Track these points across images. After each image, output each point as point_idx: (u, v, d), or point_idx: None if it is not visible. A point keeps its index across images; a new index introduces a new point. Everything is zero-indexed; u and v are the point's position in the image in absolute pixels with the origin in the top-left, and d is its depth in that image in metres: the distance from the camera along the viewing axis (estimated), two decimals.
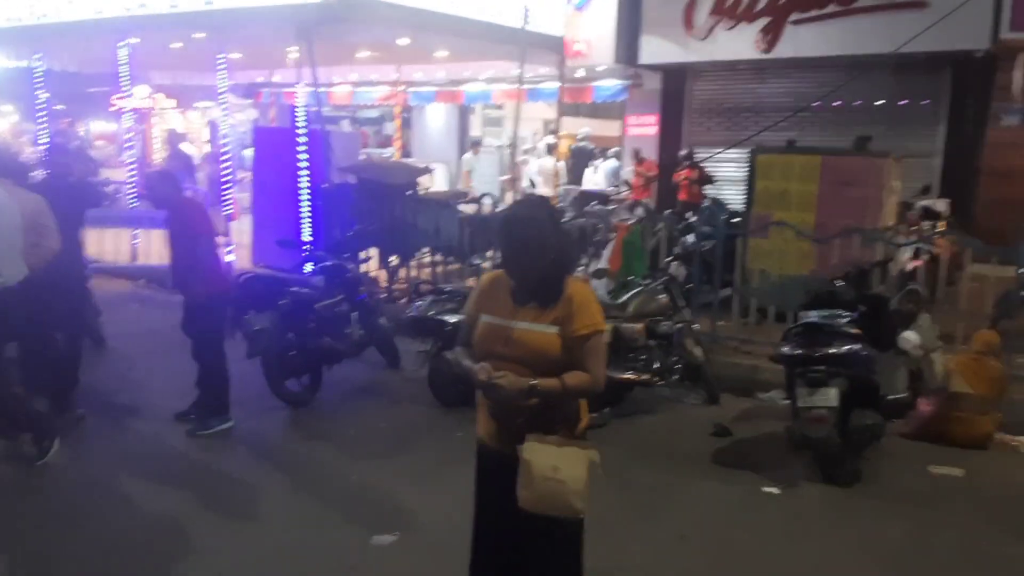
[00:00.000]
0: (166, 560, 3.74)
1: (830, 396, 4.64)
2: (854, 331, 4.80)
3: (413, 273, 9.23)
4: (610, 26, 12.25)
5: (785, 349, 4.88)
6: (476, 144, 15.39)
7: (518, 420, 2.62)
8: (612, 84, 13.32)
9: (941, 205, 8.52)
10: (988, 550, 4.04)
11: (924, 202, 8.55)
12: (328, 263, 6.45)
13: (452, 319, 5.77)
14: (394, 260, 9.16)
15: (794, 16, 11.01)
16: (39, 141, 12.31)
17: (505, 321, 2.65)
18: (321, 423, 5.62)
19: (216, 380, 5.31)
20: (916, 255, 7.53)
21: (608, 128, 16.25)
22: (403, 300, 8.70)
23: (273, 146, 10.18)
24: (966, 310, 6.76)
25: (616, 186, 13.30)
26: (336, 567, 3.72)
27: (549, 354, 2.59)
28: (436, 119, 17.56)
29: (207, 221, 5.27)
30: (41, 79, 11.98)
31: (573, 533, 2.73)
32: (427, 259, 9.32)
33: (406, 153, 16.66)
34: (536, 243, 2.59)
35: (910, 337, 5.72)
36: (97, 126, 21.86)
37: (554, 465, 2.54)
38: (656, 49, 12.29)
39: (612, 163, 14.43)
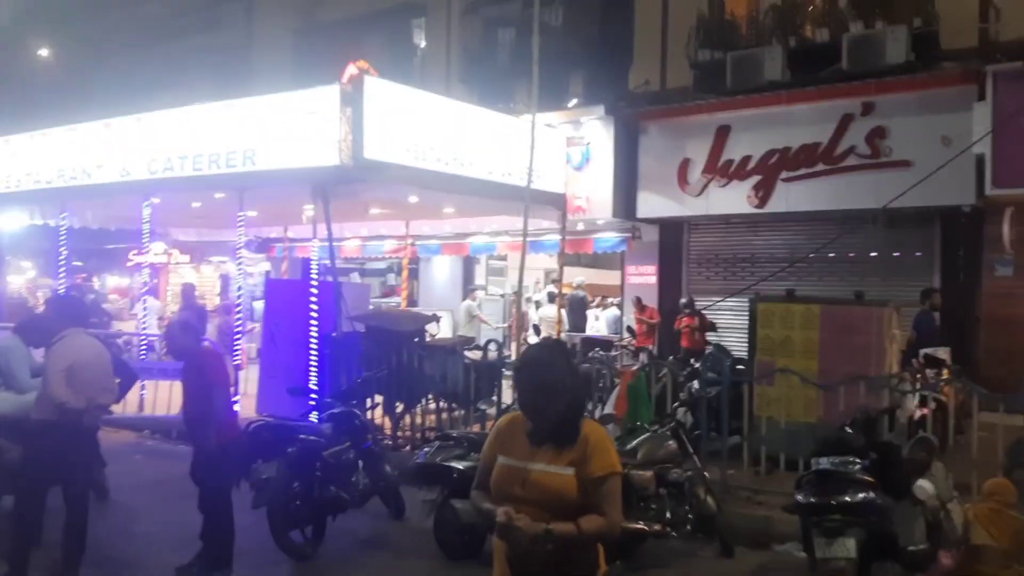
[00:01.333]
0: None
1: (849, 547, 4.55)
2: (867, 479, 4.77)
3: (418, 420, 9.21)
4: (608, 183, 12.86)
5: (799, 497, 4.83)
6: (473, 290, 15.72)
7: (534, 568, 2.59)
8: (611, 236, 13.80)
9: (943, 353, 8.61)
10: None
11: (927, 351, 8.65)
12: (336, 410, 6.48)
13: (460, 466, 5.74)
14: (399, 407, 9.17)
15: (784, 174, 11.59)
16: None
17: (522, 463, 2.68)
18: None
19: (222, 532, 5.22)
20: (923, 403, 7.55)
21: (609, 277, 16.64)
22: (407, 447, 8.64)
23: (284, 297, 10.45)
24: (978, 460, 6.69)
25: (618, 333, 13.47)
26: None
27: (565, 496, 2.60)
28: (442, 270, 18.03)
29: (224, 371, 5.37)
30: (65, 237, 12.44)
31: None
32: (432, 405, 9.33)
33: (412, 302, 16.98)
34: (553, 385, 2.67)
35: (925, 486, 5.64)
36: (112, 280, 22.42)
37: None
38: (652, 204, 12.85)
39: (613, 311, 14.68)
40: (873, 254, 11.36)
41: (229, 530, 5.24)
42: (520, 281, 10.91)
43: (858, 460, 4.90)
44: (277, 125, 9.49)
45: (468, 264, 17.92)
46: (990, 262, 10.31)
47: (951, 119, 10.10)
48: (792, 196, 11.51)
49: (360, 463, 6.29)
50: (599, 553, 2.75)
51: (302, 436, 5.82)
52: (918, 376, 7.77)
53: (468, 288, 16.39)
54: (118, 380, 5.64)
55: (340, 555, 5.87)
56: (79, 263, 17.26)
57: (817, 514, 4.68)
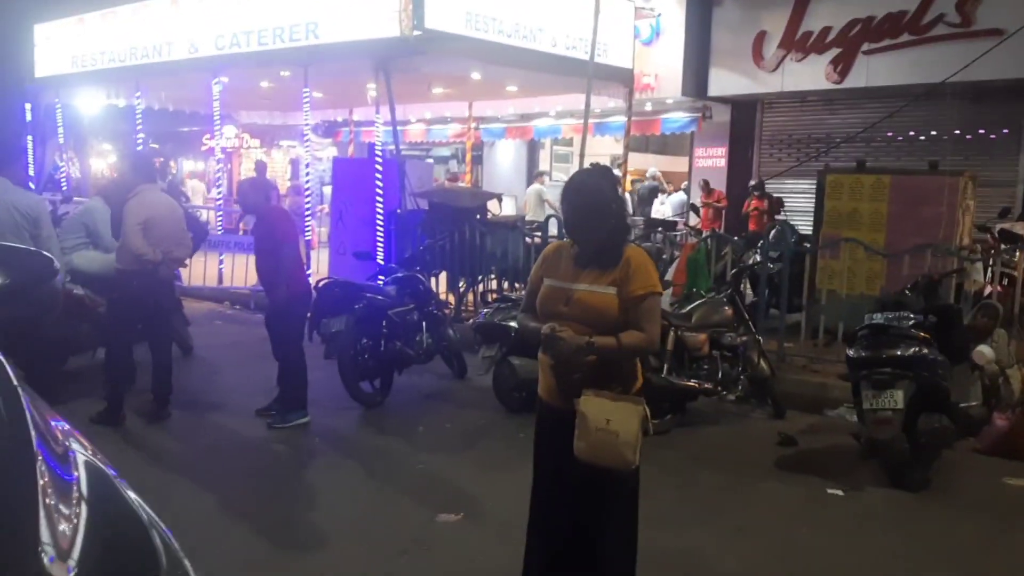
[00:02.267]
0: (249, 529, 3.96)
1: (896, 398, 4.59)
2: (921, 334, 4.75)
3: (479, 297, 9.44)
4: (679, 59, 12.44)
5: (851, 352, 4.86)
6: (541, 174, 15.66)
7: (575, 376, 2.74)
8: (680, 117, 13.45)
9: (1020, 228, 8.29)
10: None
11: (1003, 224, 8.34)
12: (400, 275, 6.72)
13: (515, 324, 5.93)
14: (462, 284, 9.40)
15: (866, 46, 11.00)
16: None
17: (567, 284, 2.81)
18: (391, 422, 5.81)
19: (295, 377, 5.58)
20: (995, 279, 7.34)
21: (675, 164, 16.35)
22: (470, 321, 8.90)
23: (350, 175, 10.65)
24: None
25: (683, 216, 13.33)
26: (403, 539, 3.86)
27: (607, 314, 2.73)
28: (506, 155, 17.98)
29: (292, 229, 5.61)
30: (140, 117, 12.82)
31: (627, 487, 2.83)
32: (493, 285, 9.52)
33: (475, 186, 17.08)
34: (598, 208, 2.77)
35: (985, 351, 5.61)
36: (187, 165, 23.10)
37: (608, 418, 2.66)
38: (725, 82, 12.41)
39: (680, 195, 14.49)
40: (956, 131, 10.81)
41: (302, 376, 5.60)
42: (581, 160, 10.80)
43: (912, 316, 4.86)
44: None
45: (532, 149, 17.81)
46: None
47: None
48: (873, 70, 10.95)
49: (424, 324, 6.56)
50: (637, 367, 2.87)
51: (369, 295, 6.09)
52: (990, 249, 7.54)
53: (534, 173, 16.34)
54: (191, 236, 5.95)
55: (406, 405, 6.22)
56: (155, 145, 17.80)
57: (867, 367, 4.71)
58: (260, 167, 14.70)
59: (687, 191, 14.42)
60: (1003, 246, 7.56)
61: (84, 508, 1.33)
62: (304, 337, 5.74)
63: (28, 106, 15.04)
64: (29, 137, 14.80)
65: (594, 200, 2.78)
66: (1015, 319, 6.48)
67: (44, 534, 1.15)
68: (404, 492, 4.46)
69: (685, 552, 3.82)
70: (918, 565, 3.83)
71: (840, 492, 4.62)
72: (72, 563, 1.16)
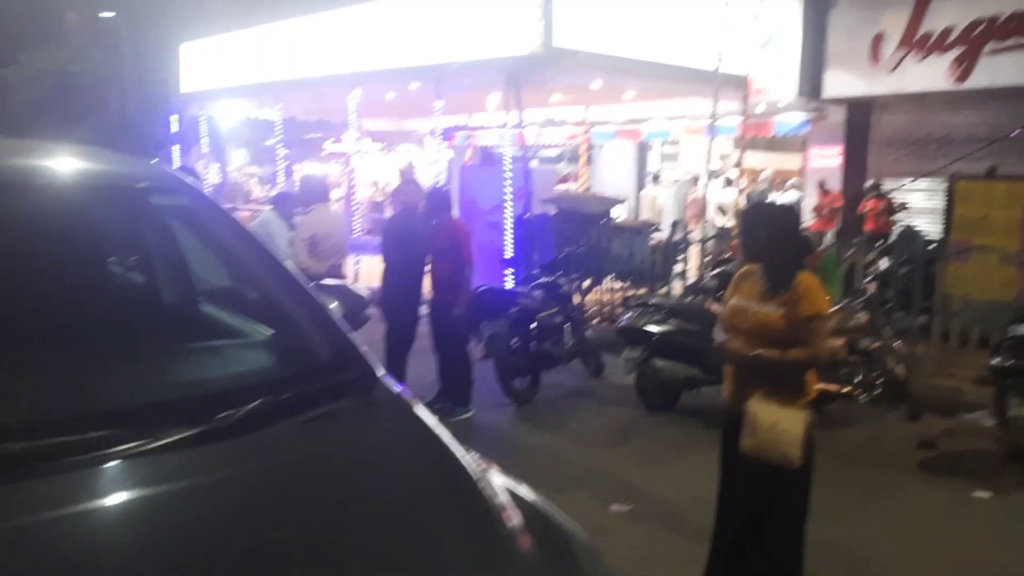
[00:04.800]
0: None
1: None
2: None
3: (606, 296, 9.90)
4: (793, 61, 12.52)
5: (996, 361, 5.08)
6: (657, 177, 15.96)
7: (753, 380, 3.20)
8: (794, 118, 13.51)
9: None
10: None
11: None
12: (544, 280, 7.25)
13: (657, 329, 6.38)
14: (587, 283, 9.88)
15: (991, 45, 10.85)
16: (277, 181, 14.24)
17: (748, 302, 3.28)
18: (545, 417, 6.35)
19: (463, 374, 6.18)
20: None
21: (787, 161, 16.31)
22: (597, 319, 9.38)
23: (478, 181, 11.27)
24: None
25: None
26: (584, 527, 4.36)
27: (772, 329, 3.17)
28: (616, 156, 18.31)
29: (471, 247, 6.16)
30: (281, 127, 13.84)
31: (796, 482, 3.20)
32: (615, 284, 9.96)
33: (588, 188, 17.50)
34: (772, 240, 3.23)
35: None
36: (308, 168, 24.36)
37: (775, 419, 3.10)
38: (841, 83, 12.42)
39: (793, 194, 14.53)
40: None
41: (469, 374, 6.20)
42: (706, 169, 11.09)
43: None
44: (472, 15, 10.03)
45: (641, 150, 18.09)
46: None
47: None
48: (998, 69, 10.79)
49: (566, 326, 7.08)
50: (806, 382, 3.24)
51: (520, 300, 6.65)
52: None
53: (644, 174, 16.64)
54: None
55: (554, 401, 6.75)
56: (286, 151, 18.94)
57: (1013, 376, 4.93)
58: (407, 173, 15.42)
59: (798, 188, 14.44)
60: None
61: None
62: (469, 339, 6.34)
63: (175, 117, 16.34)
64: (176, 146, 16.09)
65: (767, 233, 3.24)
66: None
67: None
68: (574, 483, 4.95)
69: (845, 546, 4.18)
70: None
71: (986, 495, 4.87)
72: None
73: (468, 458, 2.07)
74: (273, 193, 11.19)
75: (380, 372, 2.24)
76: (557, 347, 6.87)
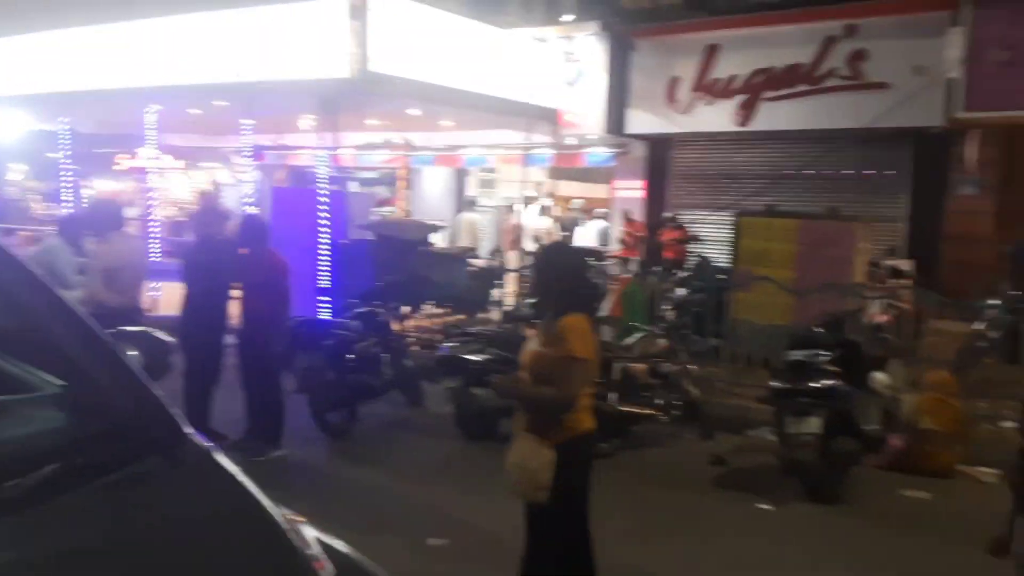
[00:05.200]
0: None
1: (814, 425, 5.38)
2: (833, 369, 5.58)
3: (424, 323, 9.93)
4: (600, 100, 13.28)
5: (775, 384, 5.64)
6: (473, 203, 16.26)
7: (527, 415, 3.34)
8: (601, 151, 14.31)
9: (906, 265, 9.43)
10: (949, 554, 4.72)
11: (891, 262, 9.46)
12: (362, 309, 7.16)
13: (476, 358, 6.49)
14: (406, 310, 9.85)
15: (768, 93, 12.07)
16: (61, 199, 13.01)
17: (533, 339, 3.49)
18: (362, 451, 6.26)
19: (273, 411, 5.94)
20: (885, 310, 8.39)
21: (597, 191, 17.22)
22: (415, 348, 9.37)
23: (291, 205, 10.93)
24: (930, 359, 7.58)
25: (605, 245, 14.17)
26: (400, 564, 4.32)
27: (537, 368, 3.32)
28: (434, 181, 18.45)
29: (287, 270, 5.93)
30: (68, 141, 12.69)
31: (550, 519, 3.29)
32: (433, 311, 10.03)
33: (406, 212, 17.51)
34: (544, 281, 3.44)
35: (881, 378, 6.51)
36: (99, 184, 22.46)
37: (523, 456, 3.23)
38: (642, 120, 13.31)
39: (601, 223, 15.33)
40: (848, 172, 12.03)
41: (280, 411, 5.97)
42: (522, 195, 11.42)
43: (826, 353, 5.69)
44: (284, 35, 9.77)
45: (460, 176, 18.36)
46: (955, 181, 11.02)
47: (926, 44, 10.55)
48: (774, 115, 12.01)
49: (384, 356, 7.02)
50: (567, 420, 3.26)
51: (337, 331, 6.51)
52: (882, 285, 8.58)
53: (463, 200, 16.89)
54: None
55: (372, 434, 6.67)
56: (72, 166, 17.39)
57: (789, 397, 5.50)
58: (208, 200, 14.54)
59: (606, 218, 15.27)
60: (892, 282, 8.63)
61: None
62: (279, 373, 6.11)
63: None
64: None
65: (545, 275, 3.43)
66: (905, 348, 7.47)
67: None
68: (390, 520, 4.91)
69: (645, 567, 4.45)
70: (839, 567, 4.58)
71: (769, 507, 5.37)
72: None
73: (279, 513, 2.00)
74: (59, 215, 10.24)
75: (187, 428, 2.11)
76: (375, 378, 6.80)
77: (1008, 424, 6.51)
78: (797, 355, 5.73)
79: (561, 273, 3.35)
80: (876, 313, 8.05)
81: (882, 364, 6.70)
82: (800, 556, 4.70)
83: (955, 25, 10.10)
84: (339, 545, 2.04)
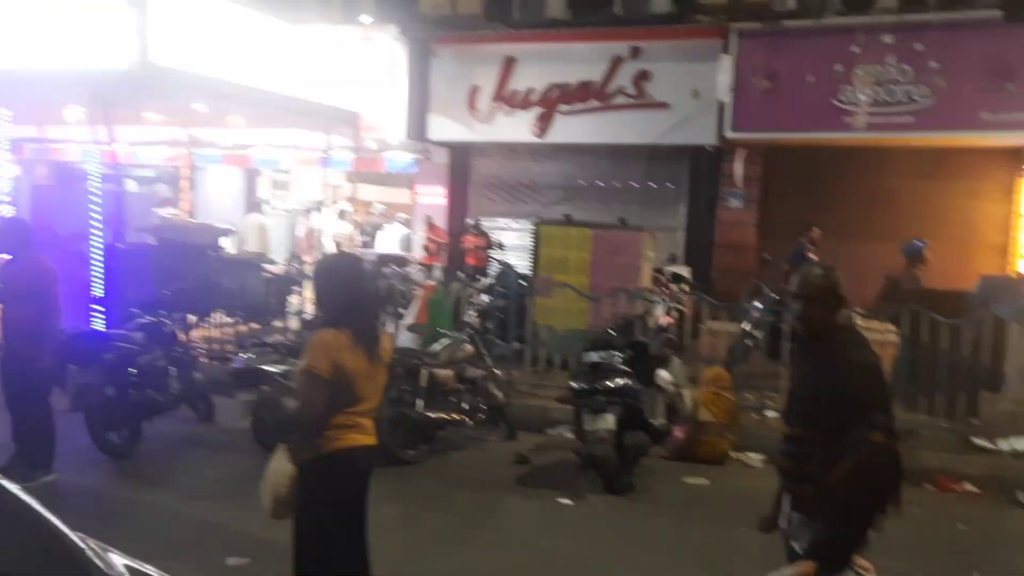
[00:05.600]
0: None
1: (609, 421, 5.70)
2: (625, 368, 5.94)
3: (214, 334, 9.36)
4: (401, 105, 13.24)
5: (574, 384, 5.91)
6: (260, 205, 15.55)
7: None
8: (403, 157, 14.27)
9: (685, 271, 10.24)
10: (726, 534, 5.16)
11: (672, 268, 10.24)
12: (145, 320, 6.61)
13: (275, 369, 6.20)
14: (193, 319, 9.23)
15: (562, 108, 12.65)
16: None
17: None
18: (149, 471, 5.78)
19: (41, 432, 5.33)
20: (668, 312, 9.07)
21: (398, 196, 17.15)
22: (205, 359, 8.82)
23: (56, 205, 9.88)
24: (706, 357, 8.29)
25: (408, 251, 14.14)
26: None
27: (294, 382, 3.31)
28: (221, 181, 17.46)
29: (56, 277, 5.32)
30: None
31: (299, 532, 3.24)
32: (222, 319, 9.47)
33: (190, 214, 16.44)
34: (319, 291, 3.37)
35: (663, 375, 7.02)
36: None
37: (271, 471, 3.22)
38: (443, 128, 13.45)
39: (403, 229, 15.27)
40: (634, 184, 12.89)
41: (49, 431, 5.36)
42: (325, 200, 11.10)
43: (619, 354, 6.05)
44: (53, 19, 8.84)
45: (250, 177, 17.52)
46: (725, 195, 12.15)
47: (702, 68, 11.57)
48: (569, 128, 12.60)
49: (172, 369, 6.53)
50: (328, 437, 3.16)
51: (117, 344, 5.97)
52: (665, 290, 9.26)
53: (252, 202, 16.11)
54: None
55: (157, 453, 6.17)
56: None
57: (587, 397, 5.78)
58: None
59: (409, 225, 15.24)
60: (673, 286, 9.33)
61: None
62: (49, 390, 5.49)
63: None
64: None
65: (318, 287, 3.38)
66: (686, 347, 8.11)
67: None
68: (186, 542, 4.59)
69: (451, 568, 4.49)
70: (633, 553, 4.87)
71: (569, 502, 5.61)
72: None
73: (76, 539, 1.80)
74: None
75: None
76: (161, 393, 6.30)
77: (772, 413, 7.28)
78: (594, 357, 6.03)
79: (332, 285, 3.26)
80: (661, 316, 8.67)
81: (666, 363, 7.24)
82: (597, 544, 4.95)
83: (725, 53, 11.17)
84: (151, 571, 1.87)
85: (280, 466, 3.10)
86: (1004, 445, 6.61)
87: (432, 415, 6.33)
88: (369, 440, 3.23)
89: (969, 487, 6.26)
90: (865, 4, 10.15)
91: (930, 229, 10.49)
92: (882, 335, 7.32)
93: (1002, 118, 9.74)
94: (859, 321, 6.95)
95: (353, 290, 3.24)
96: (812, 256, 9.63)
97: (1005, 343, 6.92)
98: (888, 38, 10.22)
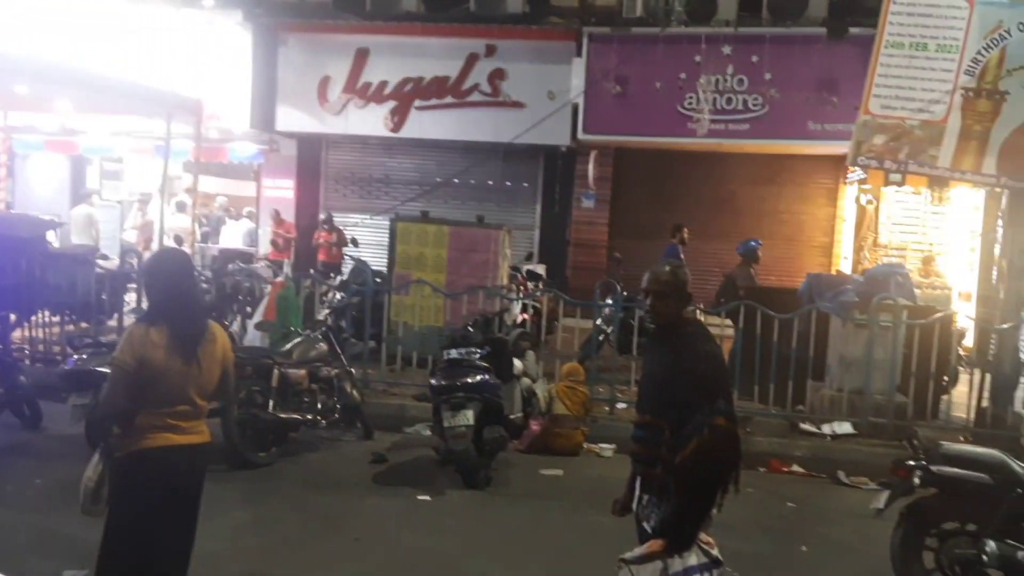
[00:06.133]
0: None
1: (468, 416, 5.72)
2: (484, 364, 5.98)
3: (40, 333, 8.59)
4: (246, 93, 12.70)
5: (433, 381, 5.88)
6: (90, 195, 14.42)
7: None
8: (248, 147, 13.68)
9: (541, 269, 10.47)
10: (582, 521, 5.32)
11: (529, 266, 10.43)
12: None
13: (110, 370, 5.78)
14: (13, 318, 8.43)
15: (417, 103, 12.58)
16: None
17: None
18: None
19: None
20: (524, 309, 9.23)
21: (243, 188, 16.43)
22: (26, 361, 8.10)
23: None
24: (561, 352, 8.50)
25: (253, 246, 13.58)
26: None
27: None
28: (45, 169, 16.07)
29: None
30: None
31: (106, 528, 3.16)
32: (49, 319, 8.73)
33: (8, 204, 15.02)
34: (145, 287, 3.40)
35: (522, 370, 7.16)
36: None
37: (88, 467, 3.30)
38: (292, 118, 13.03)
39: (248, 223, 14.65)
40: (491, 183, 13.01)
41: None
42: (160, 186, 10.42)
43: (477, 350, 6.09)
44: None
45: (78, 165, 16.22)
46: (578, 195, 12.51)
47: (556, 69, 11.86)
48: (424, 124, 12.56)
49: None
50: (129, 429, 3.11)
51: None
52: (521, 287, 9.42)
53: (81, 192, 14.91)
54: None
55: None
56: None
57: (446, 393, 5.78)
58: None
59: (252, 218, 14.63)
60: (530, 284, 9.52)
61: None
62: None
63: None
64: None
65: (145, 283, 3.41)
66: (542, 343, 8.28)
67: None
68: (14, 554, 4.21)
69: (309, 571, 4.35)
70: (493, 545, 4.91)
71: (428, 498, 5.58)
72: None
73: None
74: None
75: None
76: None
77: (623, 405, 7.57)
78: (452, 353, 6.04)
79: (155, 281, 3.22)
80: (517, 313, 8.81)
81: (523, 358, 7.38)
82: (458, 538, 4.96)
83: (578, 56, 11.48)
84: None
85: (92, 462, 3.12)
86: (827, 429, 7.20)
87: (284, 416, 6.11)
88: (187, 440, 3.14)
89: (797, 468, 6.78)
90: (706, 15, 10.73)
91: (764, 230, 11.30)
92: (720, 329, 7.80)
93: (827, 128, 10.62)
94: (700, 316, 7.39)
95: (174, 287, 3.16)
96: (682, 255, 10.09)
97: (828, 336, 7.54)
98: (727, 49, 10.89)
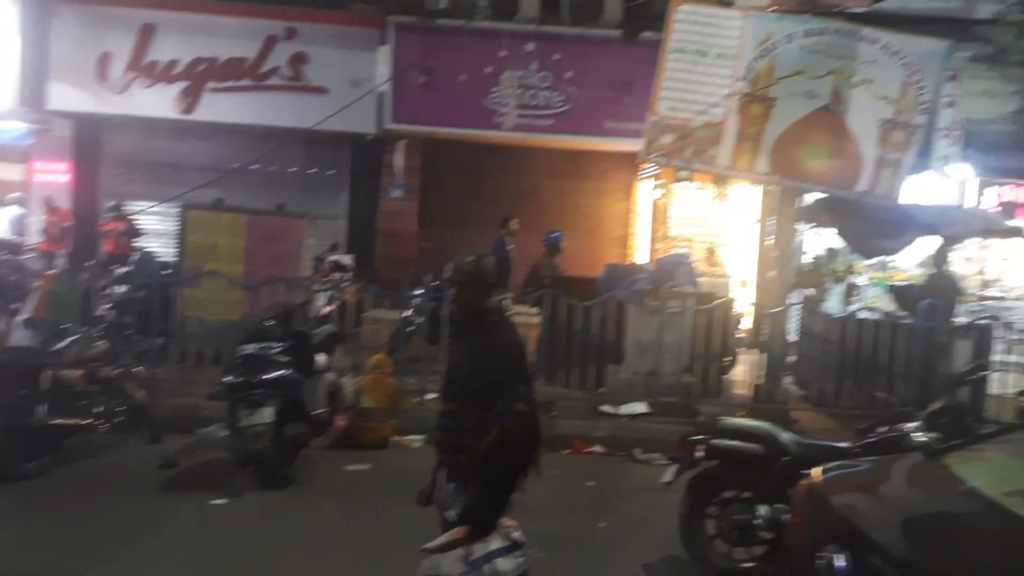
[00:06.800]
0: None
1: (267, 414, 5.45)
2: (285, 359, 5.72)
3: None
4: (13, 67, 11.38)
5: (227, 379, 5.54)
6: None
7: None
8: (15, 127, 12.26)
9: (347, 259, 10.19)
10: (387, 514, 5.20)
11: (334, 257, 10.12)
12: None
13: None
14: None
15: (211, 84, 11.82)
16: None
17: None
18: None
19: None
20: (330, 301, 8.94)
21: (9, 172, 14.67)
22: None
23: None
24: (369, 344, 8.34)
25: (22, 235, 12.19)
26: None
27: None
28: None
29: None
30: None
31: None
32: None
33: None
34: None
35: (326, 364, 6.94)
36: None
37: None
38: (67, 96, 11.82)
39: (15, 210, 13.11)
40: (293, 170, 12.51)
41: None
42: None
43: (277, 344, 5.81)
44: None
45: None
46: (386, 184, 12.32)
47: (361, 56, 11.58)
48: (219, 107, 11.82)
49: None
50: None
51: None
52: (326, 279, 9.13)
53: None
54: None
55: None
56: None
57: (242, 391, 5.46)
58: None
59: (21, 204, 13.12)
60: (336, 275, 9.24)
61: None
62: None
63: None
64: None
65: None
66: (348, 335, 8.07)
67: None
68: None
69: None
70: (293, 546, 4.70)
71: (223, 501, 5.26)
72: None
73: None
74: None
75: None
76: None
77: (432, 396, 7.55)
78: (249, 348, 5.72)
79: None
80: (322, 305, 8.52)
81: (328, 351, 7.14)
82: (258, 540, 4.71)
83: (383, 44, 11.29)
84: None
85: None
86: (624, 410, 7.59)
87: (57, 421, 5.52)
88: None
89: (598, 448, 7.09)
90: (510, 11, 10.94)
91: (567, 222, 11.70)
92: (527, 317, 8.00)
93: (622, 126, 11.14)
94: (510, 304, 7.52)
95: None
96: (511, 247, 10.18)
97: (625, 322, 7.94)
98: (531, 46, 11.15)
